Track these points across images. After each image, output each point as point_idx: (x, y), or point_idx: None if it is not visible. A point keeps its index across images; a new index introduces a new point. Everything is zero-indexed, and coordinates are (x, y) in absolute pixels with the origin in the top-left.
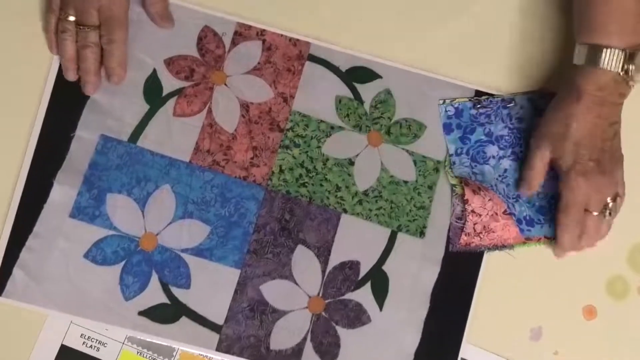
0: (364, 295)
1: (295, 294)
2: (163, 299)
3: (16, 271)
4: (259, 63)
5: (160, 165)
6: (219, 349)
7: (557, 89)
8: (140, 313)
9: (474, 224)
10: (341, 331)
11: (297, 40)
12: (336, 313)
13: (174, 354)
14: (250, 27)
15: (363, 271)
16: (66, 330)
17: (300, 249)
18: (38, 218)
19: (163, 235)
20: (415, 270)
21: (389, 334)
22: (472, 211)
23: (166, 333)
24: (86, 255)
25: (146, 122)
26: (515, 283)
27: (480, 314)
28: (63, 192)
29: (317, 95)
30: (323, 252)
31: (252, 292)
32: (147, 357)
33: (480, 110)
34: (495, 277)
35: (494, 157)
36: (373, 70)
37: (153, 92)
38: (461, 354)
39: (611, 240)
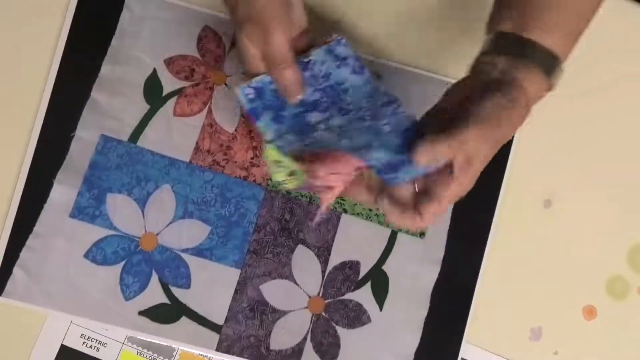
0: (364, 295)
1: (295, 294)
2: (163, 299)
3: (16, 271)
4: None
5: (160, 165)
6: (219, 349)
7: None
8: (140, 313)
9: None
10: (341, 331)
11: None
12: (336, 313)
13: (174, 354)
14: None
15: (363, 271)
16: (66, 330)
17: (300, 249)
18: (38, 218)
19: (163, 235)
20: (415, 270)
21: (389, 334)
22: (325, 186)
23: (166, 333)
24: (86, 255)
25: (146, 122)
26: (515, 283)
27: (480, 314)
28: (63, 192)
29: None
30: (323, 252)
31: (252, 292)
32: (147, 357)
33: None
34: (495, 277)
35: (319, 122)
36: (372, 70)
37: (153, 92)
38: (461, 354)
39: (611, 240)
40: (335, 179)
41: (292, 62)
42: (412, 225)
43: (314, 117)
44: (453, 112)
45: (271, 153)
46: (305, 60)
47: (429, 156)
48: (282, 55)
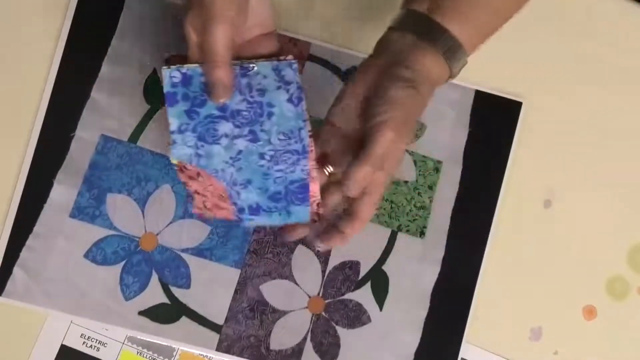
0: (364, 295)
1: (295, 294)
2: (163, 298)
3: (16, 271)
4: None
5: (160, 165)
6: (219, 349)
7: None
8: (140, 313)
9: (204, 202)
10: (341, 331)
11: (297, 40)
12: (336, 313)
13: (174, 354)
14: None
15: (363, 271)
16: (66, 330)
17: (300, 249)
18: (38, 218)
19: (163, 235)
20: (415, 270)
21: (389, 334)
22: (196, 192)
23: (166, 333)
24: (86, 255)
25: (146, 122)
26: (515, 283)
27: (480, 314)
28: (63, 192)
29: (317, 95)
30: (323, 252)
31: (252, 292)
32: (147, 357)
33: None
34: (495, 277)
35: (227, 135)
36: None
37: (153, 92)
38: (461, 354)
39: (611, 240)
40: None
41: (227, 61)
42: (337, 244)
43: (224, 127)
44: (361, 108)
45: (169, 148)
46: (249, 66)
47: (359, 187)
48: (218, 51)
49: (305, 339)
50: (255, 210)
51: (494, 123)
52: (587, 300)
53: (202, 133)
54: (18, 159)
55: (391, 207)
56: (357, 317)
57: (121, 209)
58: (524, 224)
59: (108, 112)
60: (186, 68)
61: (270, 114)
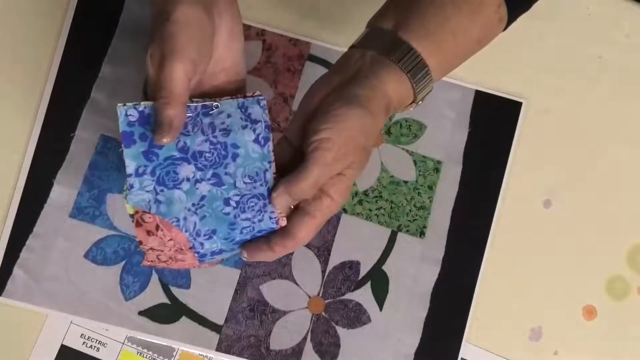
0: (364, 295)
1: (295, 294)
2: (163, 299)
3: (16, 271)
4: (259, 63)
5: None
6: (219, 349)
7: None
8: (140, 313)
9: (157, 255)
10: (341, 331)
11: (297, 40)
12: (336, 313)
13: (174, 354)
14: (250, 27)
15: (363, 271)
16: (66, 330)
17: (300, 249)
18: (38, 218)
19: None
20: (415, 270)
21: (389, 334)
22: (151, 248)
23: (166, 333)
24: (86, 255)
25: None
26: (515, 283)
27: (480, 314)
28: (63, 192)
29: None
30: (323, 252)
31: (252, 292)
32: (147, 357)
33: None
34: (495, 277)
35: (188, 179)
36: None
37: None
38: (461, 354)
39: (611, 240)
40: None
41: (180, 100)
42: (261, 259)
43: (185, 170)
44: (310, 118)
45: (125, 195)
46: (211, 105)
47: (283, 207)
48: (171, 88)
49: (305, 339)
50: (217, 253)
51: (494, 123)
52: (587, 300)
53: (161, 176)
54: (18, 159)
55: (391, 207)
56: (357, 317)
57: (121, 209)
58: (524, 224)
59: (108, 112)
60: (143, 105)
61: (235, 156)
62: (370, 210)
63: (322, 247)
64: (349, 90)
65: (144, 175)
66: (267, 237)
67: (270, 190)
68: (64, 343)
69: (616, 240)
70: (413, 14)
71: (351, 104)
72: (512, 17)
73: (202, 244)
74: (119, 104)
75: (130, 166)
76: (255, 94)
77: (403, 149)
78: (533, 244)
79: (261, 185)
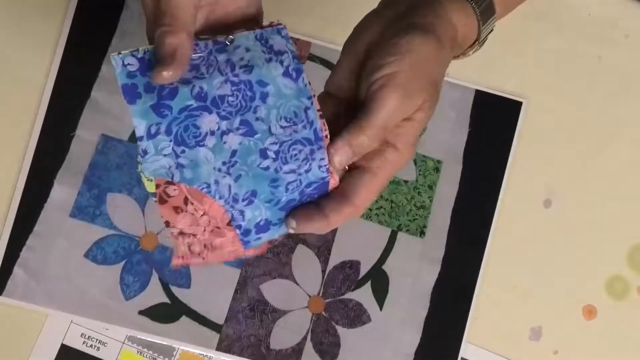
0: (364, 295)
1: (295, 294)
2: (163, 298)
3: (17, 270)
4: None
5: None
6: (219, 348)
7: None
8: (141, 312)
9: (189, 246)
10: (341, 331)
11: (297, 40)
12: (336, 313)
13: (174, 353)
14: None
15: (363, 271)
16: (66, 330)
17: (300, 249)
18: (38, 218)
19: (163, 234)
20: (415, 270)
21: (389, 334)
22: (181, 233)
23: (166, 333)
24: (86, 255)
25: None
26: (515, 283)
27: (480, 314)
28: (63, 192)
29: (317, 95)
30: (323, 252)
31: (252, 291)
32: (147, 356)
33: (191, 55)
34: (495, 277)
35: (213, 132)
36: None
37: None
38: (461, 354)
39: (611, 240)
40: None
41: (184, 27)
42: (315, 229)
43: (207, 122)
44: (361, 68)
45: (139, 165)
46: (225, 40)
47: (348, 157)
48: (172, 12)
49: (305, 338)
50: (263, 227)
51: (494, 123)
52: (587, 300)
53: (179, 134)
54: (18, 159)
55: (391, 207)
56: (357, 316)
57: (121, 208)
58: (524, 224)
59: (108, 112)
60: (143, 51)
61: (264, 95)
62: (371, 209)
63: (322, 246)
64: (409, 19)
65: (158, 135)
66: (319, 203)
67: (318, 133)
68: (64, 343)
69: (616, 240)
70: None
71: (416, 30)
72: None
73: (242, 213)
74: (113, 54)
75: (140, 126)
76: (273, 24)
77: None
78: (533, 244)
79: (304, 127)
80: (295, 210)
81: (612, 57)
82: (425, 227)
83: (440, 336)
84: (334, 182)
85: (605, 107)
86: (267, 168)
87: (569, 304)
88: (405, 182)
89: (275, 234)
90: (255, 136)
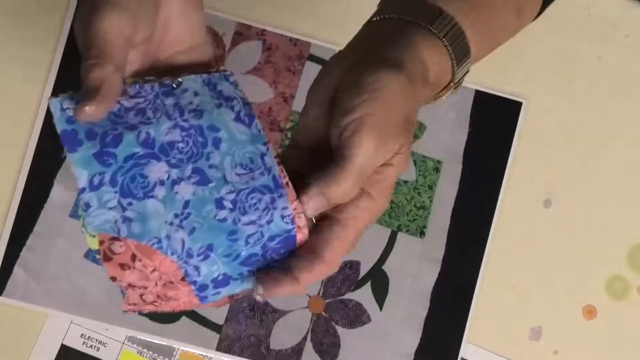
0: (364, 295)
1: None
2: None
3: (17, 270)
4: (259, 63)
5: None
6: (219, 348)
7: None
8: (141, 313)
9: (141, 295)
10: (341, 331)
11: (297, 40)
12: (336, 313)
13: (174, 353)
14: (250, 27)
15: (363, 271)
16: (66, 330)
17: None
18: (38, 218)
19: None
20: (415, 270)
21: (389, 334)
22: (130, 285)
23: (166, 333)
24: (86, 255)
25: None
26: (515, 283)
27: (480, 314)
28: (63, 192)
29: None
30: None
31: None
32: (147, 357)
33: (126, 103)
34: (495, 277)
35: (162, 182)
36: None
37: None
38: (461, 354)
39: (611, 240)
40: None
41: (111, 59)
42: (285, 293)
43: (156, 171)
44: (328, 112)
45: (81, 219)
46: (171, 82)
47: (322, 205)
48: (99, 44)
49: (305, 338)
50: (222, 282)
51: (494, 123)
52: (587, 300)
53: (126, 185)
54: (18, 159)
55: (391, 207)
56: (357, 316)
57: None
58: (524, 224)
59: None
60: (82, 94)
61: (217, 141)
62: None
63: None
64: (377, 55)
65: (102, 186)
66: (286, 264)
67: (278, 179)
68: (64, 343)
69: (616, 240)
70: None
71: (384, 66)
72: None
73: (197, 269)
74: (51, 97)
75: (82, 177)
76: (220, 69)
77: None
78: (533, 244)
79: (261, 174)
80: (262, 274)
81: (612, 57)
82: (425, 227)
83: (440, 336)
84: (302, 236)
85: (605, 107)
86: (224, 219)
87: (569, 304)
88: (405, 182)
89: (237, 288)
90: (210, 185)
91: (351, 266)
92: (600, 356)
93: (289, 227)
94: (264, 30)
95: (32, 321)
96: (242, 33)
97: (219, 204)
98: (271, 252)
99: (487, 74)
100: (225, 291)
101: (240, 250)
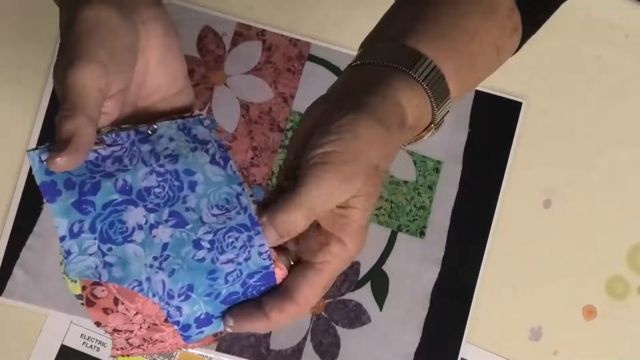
0: (364, 295)
1: None
2: None
3: (16, 271)
4: (259, 63)
5: None
6: (219, 348)
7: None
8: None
9: (127, 340)
10: (341, 331)
11: (297, 40)
12: (336, 313)
13: (174, 354)
14: (250, 27)
15: (363, 271)
16: (66, 330)
17: None
18: (38, 218)
19: None
20: (415, 270)
21: (389, 334)
22: (115, 330)
23: None
24: None
25: None
26: (515, 283)
27: (480, 314)
28: None
29: (317, 95)
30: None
31: None
32: (147, 357)
33: (103, 152)
34: (495, 277)
35: (140, 226)
36: None
37: None
38: (461, 354)
39: (611, 240)
40: (127, 322)
41: (83, 111)
42: (255, 329)
43: (134, 216)
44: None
45: (62, 267)
46: (147, 129)
47: (273, 237)
48: (72, 99)
49: (305, 338)
50: (204, 321)
51: (494, 123)
52: (587, 300)
53: (105, 231)
54: (18, 159)
55: (391, 207)
56: (357, 317)
57: None
58: (524, 224)
59: None
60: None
61: (192, 185)
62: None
63: None
64: (353, 99)
65: (82, 233)
66: (259, 301)
67: (254, 218)
68: (64, 343)
69: (616, 240)
70: (417, 17)
71: (358, 112)
72: (525, 30)
73: (179, 309)
74: (29, 150)
75: (62, 226)
76: (194, 114)
77: (403, 149)
78: (533, 244)
79: (237, 213)
80: (234, 307)
81: (612, 57)
82: (425, 227)
83: (440, 336)
84: (281, 272)
85: (605, 107)
86: (202, 259)
87: (569, 304)
88: (405, 182)
89: (220, 326)
90: (187, 227)
91: (351, 266)
92: (600, 356)
93: (267, 263)
94: (264, 30)
95: (32, 321)
96: (242, 33)
97: (197, 245)
98: (251, 289)
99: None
100: (208, 330)
101: (221, 289)
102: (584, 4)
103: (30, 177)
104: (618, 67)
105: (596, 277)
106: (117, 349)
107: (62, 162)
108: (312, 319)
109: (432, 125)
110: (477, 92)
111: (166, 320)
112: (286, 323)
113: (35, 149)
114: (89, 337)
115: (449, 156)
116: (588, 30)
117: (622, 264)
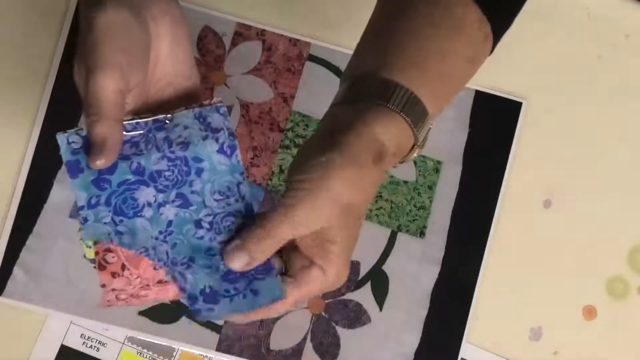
0: (364, 295)
1: None
2: None
3: (16, 271)
4: (259, 63)
5: None
6: (219, 349)
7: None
8: (140, 313)
9: (116, 295)
10: (341, 331)
11: (297, 40)
12: (336, 313)
13: (174, 354)
14: (250, 27)
15: (363, 271)
16: (66, 330)
17: None
18: (38, 218)
19: None
20: (415, 270)
21: (389, 334)
22: (113, 289)
23: (166, 333)
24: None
25: None
26: (515, 283)
27: (480, 314)
28: (63, 192)
29: (317, 95)
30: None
31: None
32: (147, 357)
33: (122, 137)
34: (495, 277)
35: (150, 204)
36: None
37: None
38: (461, 354)
39: (611, 240)
40: (138, 285)
41: (110, 115)
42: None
43: (145, 195)
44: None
45: (80, 232)
46: (164, 119)
47: (243, 261)
48: (98, 103)
49: (305, 339)
50: (211, 296)
51: (494, 123)
52: (587, 300)
53: (118, 205)
54: (18, 159)
55: (391, 207)
56: (357, 317)
57: None
58: (524, 224)
59: None
60: (85, 130)
61: (199, 171)
62: (370, 210)
63: None
64: (328, 140)
65: (98, 206)
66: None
67: (250, 206)
68: (64, 343)
69: (616, 240)
70: (389, 48)
71: (331, 152)
72: (496, 35)
73: (183, 275)
74: (59, 133)
75: (81, 198)
76: (212, 102)
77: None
78: (533, 244)
79: (236, 200)
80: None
81: (612, 57)
82: (425, 227)
83: (440, 336)
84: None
85: (605, 107)
86: (201, 237)
87: (569, 304)
88: (405, 182)
89: (230, 310)
90: (190, 208)
91: (351, 266)
92: (600, 356)
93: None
94: (264, 30)
95: (32, 321)
96: (242, 33)
97: (198, 225)
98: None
99: (487, 74)
100: (219, 309)
101: (218, 263)
102: (584, 4)
103: (31, 177)
104: (618, 67)
105: (596, 277)
106: (106, 303)
107: (102, 163)
108: (312, 319)
109: (416, 146)
110: (477, 92)
111: (159, 282)
112: (254, 319)
113: (65, 132)
114: (89, 337)
115: (449, 156)
116: (588, 30)
117: (622, 264)
